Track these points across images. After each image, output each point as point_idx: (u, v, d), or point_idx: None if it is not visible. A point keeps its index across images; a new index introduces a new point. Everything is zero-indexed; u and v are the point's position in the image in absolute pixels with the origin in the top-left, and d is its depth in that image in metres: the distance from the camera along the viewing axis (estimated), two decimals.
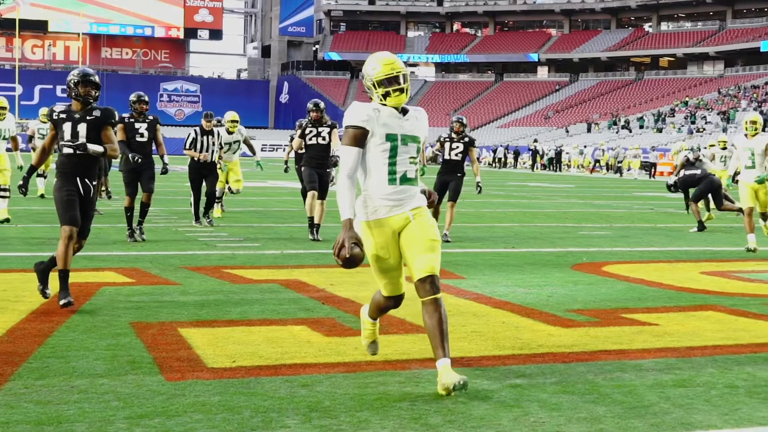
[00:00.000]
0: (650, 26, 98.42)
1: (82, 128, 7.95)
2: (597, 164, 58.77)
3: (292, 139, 14.58)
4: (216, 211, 17.07)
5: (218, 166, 15.64)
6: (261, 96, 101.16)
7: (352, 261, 5.26)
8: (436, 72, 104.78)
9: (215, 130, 15.55)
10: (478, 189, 15.07)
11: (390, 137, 5.38)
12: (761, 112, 67.43)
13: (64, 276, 7.70)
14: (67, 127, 7.96)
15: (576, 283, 9.89)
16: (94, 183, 8.05)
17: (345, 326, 7.18)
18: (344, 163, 5.37)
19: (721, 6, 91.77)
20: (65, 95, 8.78)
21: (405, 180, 5.42)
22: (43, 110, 19.83)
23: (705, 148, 34.13)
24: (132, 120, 13.09)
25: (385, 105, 5.43)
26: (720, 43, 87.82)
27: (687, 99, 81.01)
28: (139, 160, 12.52)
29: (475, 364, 6.05)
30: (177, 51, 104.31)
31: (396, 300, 5.69)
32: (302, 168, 14.46)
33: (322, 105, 14.23)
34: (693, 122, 71.95)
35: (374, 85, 5.45)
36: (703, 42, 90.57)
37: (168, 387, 5.27)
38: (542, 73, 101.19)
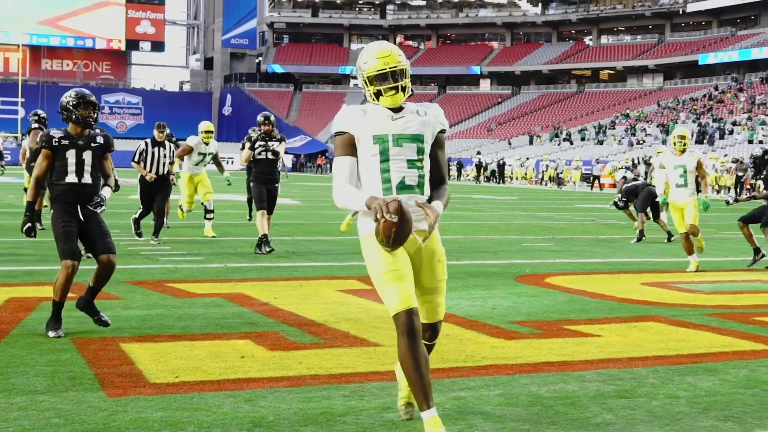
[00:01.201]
0: (590, 39, 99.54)
1: (87, 156, 7.42)
2: (542, 177, 59.24)
3: (243, 147, 14.35)
4: (207, 230, 16.19)
5: (171, 179, 15.30)
6: (203, 108, 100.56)
7: (402, 209, 4.39)
8: None
9: (167, 142, 15.31)
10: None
11: (378, 139, 4.66)
12: (699, 125, 68.41)
13: (58, 308, 7.25)
14: (71, 155, 7.38)
15: (519, 295, 9.94)
16: (97, 200, 7.50)
17: (289, 340, 7.15)
18: (336, 176, 4.67)
19: (660, 20, 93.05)
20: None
21: (403, 188, 4.64)
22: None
23: (652, 157, 34.66)
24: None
25: (377, 105, 4.74)
26: (659, 57, 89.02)
27: (627, 111, 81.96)
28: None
29: None
30: (118, 63, 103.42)
31: (413, 320, 4.50)
32: (252, 184, 14.30)
33: (272, 118, 14.14)
34: (633, 134, 72.78)
35: (366, 82, 4.77)
36: (642, 55, 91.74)
37: (109, 403, 5.20)
38: (485, 85, 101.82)
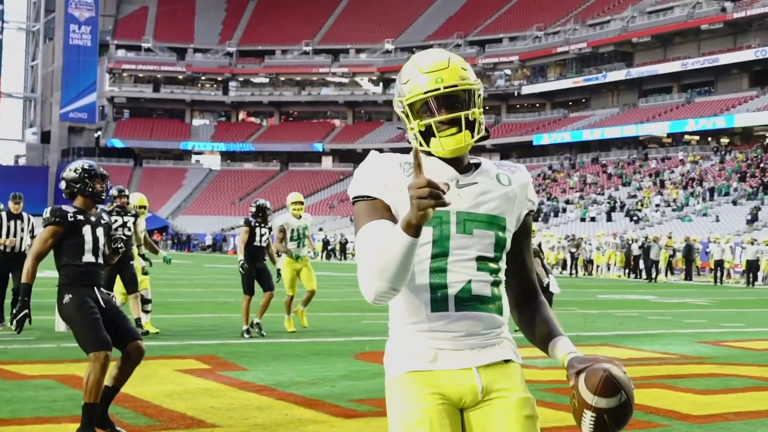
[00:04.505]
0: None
1: (100, 234, 6.85)
2: None
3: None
4: (146, 325, 13.56)
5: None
6: (40, 183, 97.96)
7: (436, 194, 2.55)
8: (222, 160, 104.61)
9: (24, 214, 14.10)
10: (279, 278, 14.25)
11: (433, 218, 2.87)
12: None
13: (92, 410, 6.49)
14: (87, 232, 6.76)
15: (359, 373, 9.97)
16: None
17: (123, 423, 6.98)
18: (362, 250, 2.81)
19: (497, 101, 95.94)
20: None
21: (468, 301, 2.89)
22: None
23: None
24: None
25: (430, 153, 2.97)
26: (496, 136, 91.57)
27: None
28: None
29: None
30: None
31: None
32: None
33: (127, 192, 13.42)
34: None
35: (407, 114, 2.98)
36: None
37: None
38: (327, 162, 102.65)
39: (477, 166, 3.02)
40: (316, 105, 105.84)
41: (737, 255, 40.25)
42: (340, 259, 61.20)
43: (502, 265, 3.01)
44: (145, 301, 13.76)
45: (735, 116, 69.90)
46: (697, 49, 78.83)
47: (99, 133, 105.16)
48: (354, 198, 2.96)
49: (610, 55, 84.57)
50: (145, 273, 13.85)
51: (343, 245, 62.64)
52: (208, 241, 78.66)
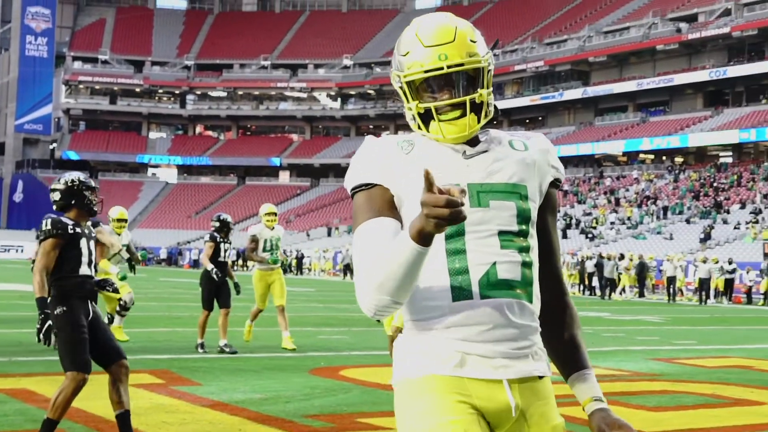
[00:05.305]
0: (388, 134, 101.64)
1: (92, 246, 6.75)
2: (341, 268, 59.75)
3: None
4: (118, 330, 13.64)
5: None
6: None
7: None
8: (178, 174, 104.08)
9: None
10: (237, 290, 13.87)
11: None
12: None
13: (52, 427, 6.36)
14: (84, 244, 6.64)
15: (314, 388, 9.95)
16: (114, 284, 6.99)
17: None
18: (360, 258, 2.51)
19: None
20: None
21: (495, 285, 2.50)
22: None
23: None
24: None
25: (427, 134, 2.66)
26: None
27: None
28: None
29: None
30: None
31: None
32: None
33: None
34: None
35: (406, 92, 2.66)
36: None
37: None
38: (284, 177, 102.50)
39: (480, 141, 2.66)
40: (274, 119, 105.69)
41: (690, 273, 40.66)
42: (296, 274, 61.09)
43: (532, 242, 2.58)
44: (122, 308, 13.85)
45: (689, 136, 70.70)
46: (652, 69, 79.68)
47: (54, 144, 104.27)
48: (352, 189, 2.61)
49: (567, 73, 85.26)
50: (122, 278, 13.33)
51: (299, 260, 62.55)
52: (163, 254, 78.19)
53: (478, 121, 2.59)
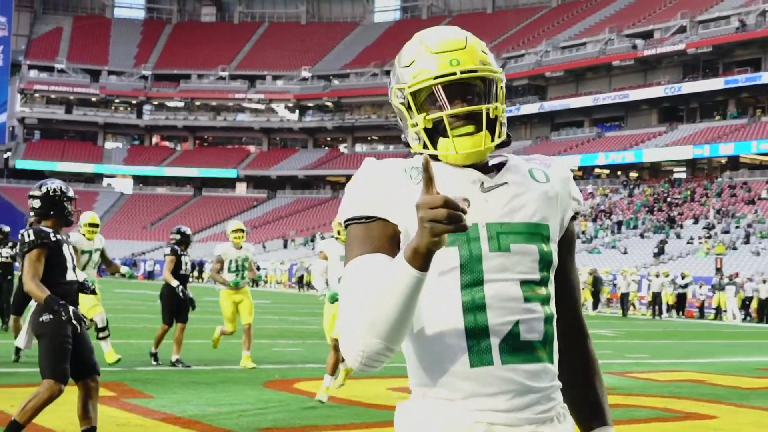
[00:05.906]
0: (345, 147, 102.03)
1: (72, 251, 6.79)
2: (296, 281, 59.57)
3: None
4: (109, 354, 12.40)
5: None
6: None
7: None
8: (134, 184, 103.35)
9: None
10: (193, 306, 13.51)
11: (454, 235, 2.19)
12: None
13: (17, 430, 6.29)
14: (66, 251, 6.67)
15: (267, 401, 9.92)
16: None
17: None
18: (347, 299, 2.16)
19: None
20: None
21: (515, 350, 2.21)
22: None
23: None
24: None
25: (437, 158, 2.32)
26: None
27: None
28: None
29: None
30: None
31: None
32: None
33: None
34: None
35: (410, 105, 2.35)
36: None
37: None
38: (241, 188, 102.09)
39: (501, 165, 2.36)
40: (232, 130, 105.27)
41: (644, 287, 41.02)
42: (252, 286, 60.79)
43: (551, 290, 2.30)
44: (99, 329, 12.57)
45: (644, 151, 71.34)
46: (608, 84, 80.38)
47: (8, 154, 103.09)
48: (346, 221, 2.26)
49: (524, 88, 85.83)
50: (93, 292, 12.84)
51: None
52: None
53: (495, 139, 2.30)
